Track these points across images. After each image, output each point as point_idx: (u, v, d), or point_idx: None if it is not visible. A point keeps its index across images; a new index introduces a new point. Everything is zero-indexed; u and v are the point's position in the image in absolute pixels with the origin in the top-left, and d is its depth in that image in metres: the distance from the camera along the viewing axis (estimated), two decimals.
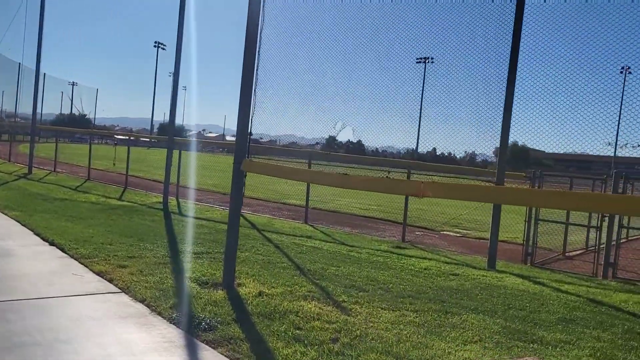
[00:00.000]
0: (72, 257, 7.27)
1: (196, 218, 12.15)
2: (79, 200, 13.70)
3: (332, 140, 15.93)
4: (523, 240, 9.40)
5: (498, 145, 8.42)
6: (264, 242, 9.44)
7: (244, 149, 6.19)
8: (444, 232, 13.53)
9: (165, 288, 5.90)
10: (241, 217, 13.05)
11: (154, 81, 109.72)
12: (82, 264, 6.89)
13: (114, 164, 18.19)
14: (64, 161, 24.86)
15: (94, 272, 6.52)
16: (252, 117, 6.23)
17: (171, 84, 14.45)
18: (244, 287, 6.11)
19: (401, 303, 5.90)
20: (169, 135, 14.73)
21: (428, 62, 13.14)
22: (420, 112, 12.88)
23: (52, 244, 8.05)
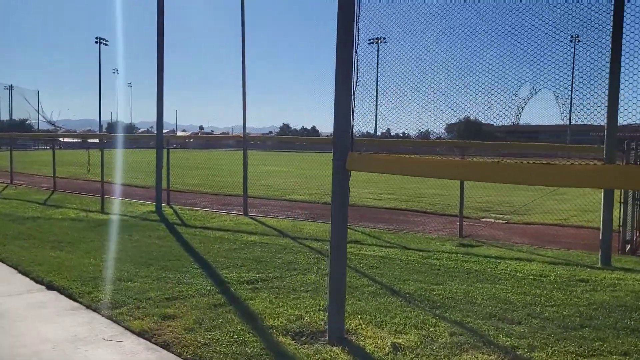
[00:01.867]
0: (88, 307, 5.24)
1: (206, 228, 10.14)
2: (55, 218, 11.39)
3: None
4: (618, 226, 7.92)
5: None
6: (316, 255, 7.59)
7: (346, 142, 4.30)
8: (485, 219, 11.99)
9: (254, 354, 3.99)
10: (257, 222, 11.14)
11: (99, 79, 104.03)
12: (108, 318, 4.88)
13: (88, 171, 15.75)
14: (19, 171, 21.99)
15: (132, 331, 4.54)
16: (353, 108, 4.36)
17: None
18: (362, 337, 4.29)
19: (588, 341, 4.22)
20: (158, 133, 12.52)
21: None
22: None
23: (50, 287, 5.96)
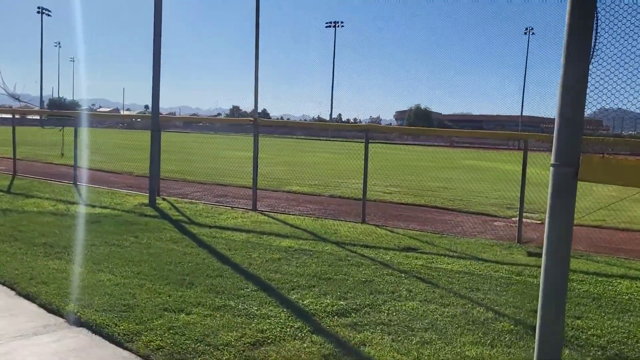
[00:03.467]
0: (138, 354, 3.76)
1: (222, 228, 8.67)
2: (30, 211, 9.57)
3: None
4: None
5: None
6: (385, 270, 6.30)
7: (576, 140, 2.99)
8: (516, 219, 11.03)
9: None
10: (274, 220, 9.66)
11: (40, 52, 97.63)
12: None
13: (62, 154, 13.72)
14: None
15: None
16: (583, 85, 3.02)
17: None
18: None
19: None
20: (154, 114, 10.78)
21: None
22: None
23: (76, 321, 4.41)
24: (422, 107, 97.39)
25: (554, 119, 2.87)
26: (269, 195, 13.11)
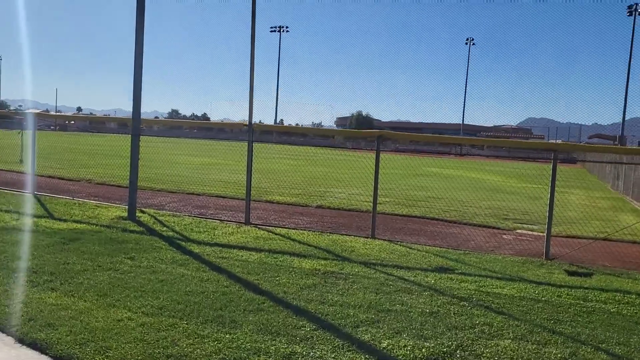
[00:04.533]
0: None
1: (225, 246, 7.77)
2: None
3: None
4: None
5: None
6: (437, 296, 5.61)
7: None
8: (521, 231, 10.70)
9: None
10: (276, 235, 8.67)
11: None
12: None
13: (20, 160, 12.15)
14: None
15: None
16: None
17: None
18: None
19: None
20: (134, 118, 9.62)
21: None
22: None
23: None
24: (364, 113, 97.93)
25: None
26: (253, 207, 12.12)
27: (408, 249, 8.18)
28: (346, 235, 9.08)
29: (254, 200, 12.96)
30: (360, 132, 10.93)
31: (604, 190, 22.96)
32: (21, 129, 11.53)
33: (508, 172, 30.36)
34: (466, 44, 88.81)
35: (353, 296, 5.44)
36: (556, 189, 8.14)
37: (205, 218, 10.21)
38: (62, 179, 15.65)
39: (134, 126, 9.49)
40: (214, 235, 8.56)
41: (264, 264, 6.77)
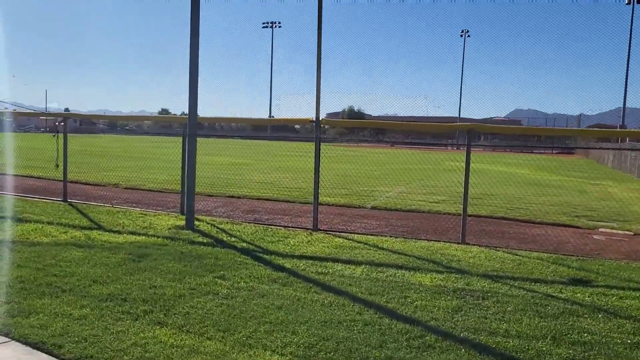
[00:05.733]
0: None
1: (314, 258, 6.90)
2: (42, 242, 7.34)
3: None
4: None
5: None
6: (614, 321, 4.75)
7: None
8: (605, 230, 9.89)
9: None
10: (360, 243, 7.58)
11: None
12: None
13: (57, 165, 11.14)
14: None
15: None
16: None
17: None
18: None
19: None
20: (191, 118, 8.68)
21: None
22: None
23: None
24: (356, 108, 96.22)
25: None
26: (307, 210, 11.24)
27: (514, 255, 7.33)
28: (435, 241, 8.21)
29: (301, 202, 12.08)
30: (450, 126, 10.00)
31: (631, 181, 22.24)
32: (56, 133, 10.52)
33: (525, 164, 29.63)
34: (461, 36, 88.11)
35: (519, 323, 4.58)
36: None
37: (265, 224, 9.31)
38: (87, 183, 14.65)
39: (190, 126, 8.54)
40: (291, 245, 7.66)
41: (375, 280, 5.89)
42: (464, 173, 8.11)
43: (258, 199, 12.66)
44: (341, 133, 66.88)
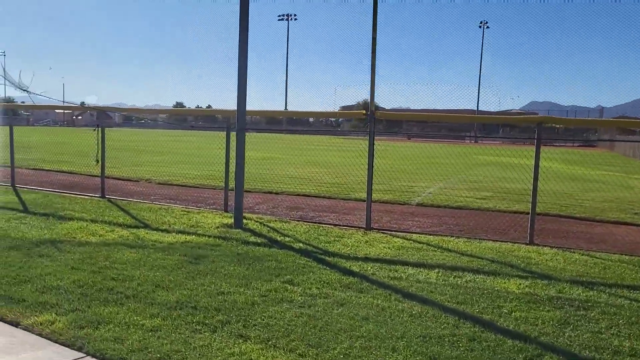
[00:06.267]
0: None
1: (378, 261, 6.51)
2: (91, 242, 6.99)
3: None
4: None
5: None
6: None
7: None
8: None
9: None
10: (416, 244, 7.16)
11: None
12: None
13: (97, 161, 10.82)
14: None
15: None
16: None
17: None
18: None
19: None
20: (239, 113, 8.27)
21: None
22: None
23: None
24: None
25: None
26: (353, 207, 10.82)
27: (593, 258, 6.83)
28: (500, 242, 7.73)
29: (343, 199, 11.65)
30: (520, 118, 9.48)
31: None
32: (97, 127, 10.20)
33: (552, 157, 28.85)
34: (480, 27, 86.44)
35: None
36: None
37: (314, 222, 8.90)
38: (119, 178, 14.36)
39: (239, 120, 8.14)
40: (350, 246, 7.24)
41: (456, 287, 5.44)
42: (532, 169, 7.60)
43: (298, 194, 12.26)
44: (355, 126, 66.26)
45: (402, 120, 64.85)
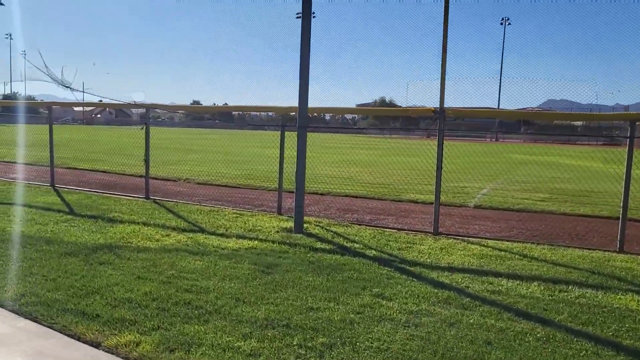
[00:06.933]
0: None
1: (465, 271, 5.97)
2: (149, 248, 6.56)
3: None
4: None
5: None
6: None
7: None
8: None
9: None
10: (497, 252, 6.61)
11: None
12: None
13: (145, 160, 10.40)
14: None
15: None
16: None
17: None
18: None
19: None
20: (301, 109, 7.75)
21: None
22: None
23: None
24: (387, 99, 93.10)
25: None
26: (408, 209, 10.27)
27: None
28: (586, 249, 7.12)
29: (394, 200, 11.11)
30: (608, 115, 8.84)
31: None
32: (144, 124, 9.76)
33: (583, 155, 27.88)
34: (501, 24, 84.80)
35: None
36: None
37: (376, 226, 8.39)
38: (156, 178, 13.92)
39: (301, 117, 7.62)
40: (426, 253, 6.69)
41: (569, 304, 4.87)
42: (624, 171, 6.97)
43: (345, 195, 11.76)
44: (372, 124, 65.36)
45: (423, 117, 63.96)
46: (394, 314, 4.50)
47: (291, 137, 8.37)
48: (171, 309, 4.51)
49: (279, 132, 9.00)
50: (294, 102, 7.79)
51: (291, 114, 9.14)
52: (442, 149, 7.83)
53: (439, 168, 7.81)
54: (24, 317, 4.37)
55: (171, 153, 22.38)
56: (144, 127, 9.47)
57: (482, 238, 7.71)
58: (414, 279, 5.56)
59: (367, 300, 4.83)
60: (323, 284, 5.27)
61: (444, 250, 6.84)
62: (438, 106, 7.72)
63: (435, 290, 5.17)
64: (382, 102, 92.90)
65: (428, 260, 6.32)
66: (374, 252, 6.69)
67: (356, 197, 11.63)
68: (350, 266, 5.95)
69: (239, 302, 4.72)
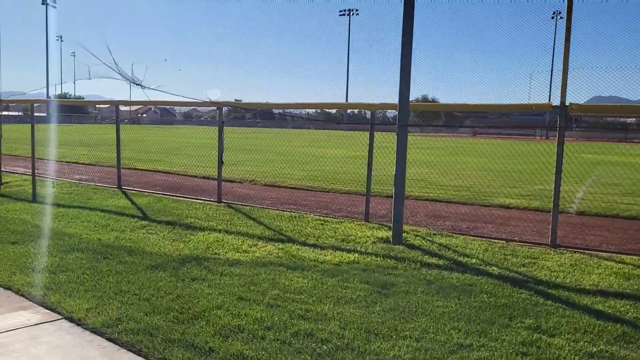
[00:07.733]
0: None
1: (597, 293, 4.88)
2: (244, 261, 5.83)
3: None
4: None
5: None
6: None
7: None
8: None
9: None
10: (626, 266, 5.57)
11: (46, 45, 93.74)
12: None
13: (222, 162, 9.80)
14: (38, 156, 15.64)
15: None
16: None
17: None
18: None
19: None
20: (402, 106, 6.89)
21: None
22: None
23: None
24: (430, 97, 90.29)
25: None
26: (502, 215, 9.28)
27: None
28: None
29: (484, 206, 10.13)
30: None
31: None
32: (221, 123, 9.15)
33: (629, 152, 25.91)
34: (552, 18, 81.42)
35: None
36: None
37: (477, 236, 7.47)
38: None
39: (401, 115, 6.77)
40: (558, 271, 5.76)
41: None
42: None
43: (426, 199, 10.88)
44: (413, 122, 63.55)
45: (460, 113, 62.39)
46: (570, 357, 3.60)
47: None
48: (293, 343, 3.76)
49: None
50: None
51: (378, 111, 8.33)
52: (562, 150, 6.84)
53: (559, 172, 6.83)
54: (126, 348, 3.70)
55: (228, 153, 21.91)
56: (218, 127, 8.79)
57: (610, 252, 6.69)
58: (564, 306, 4.65)
59: (525, 336, 3.95)
60: (459, 312, 4.42)
61: (576, 268, 5.87)
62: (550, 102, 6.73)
63: (601, 323, 4.25)
64: (425, 99, 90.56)
65: (567, 282, 5.38)
66: (495, 269, 5.79)
67: (439, 201, 10.72)
68: (479, 287, 5.07)
69: (370, 334, 3.94)
